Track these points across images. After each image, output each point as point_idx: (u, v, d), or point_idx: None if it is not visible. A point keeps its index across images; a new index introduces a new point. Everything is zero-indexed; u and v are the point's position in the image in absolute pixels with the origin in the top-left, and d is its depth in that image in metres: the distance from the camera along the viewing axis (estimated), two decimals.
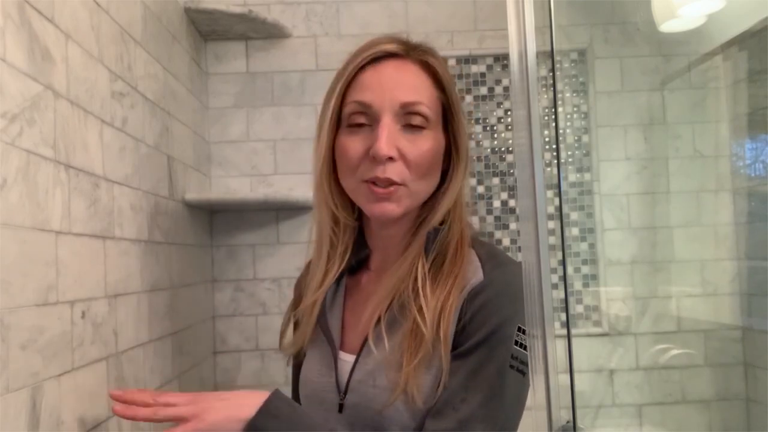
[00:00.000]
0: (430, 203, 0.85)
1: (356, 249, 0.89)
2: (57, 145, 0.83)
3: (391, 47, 0.82)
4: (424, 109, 0.80)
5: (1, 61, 0.71)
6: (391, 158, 0.78)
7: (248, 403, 0.74)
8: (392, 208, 0.80)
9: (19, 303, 0.72)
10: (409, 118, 0.80)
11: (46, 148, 0.80)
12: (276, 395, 0.75)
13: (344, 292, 0.90)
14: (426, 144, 0.80)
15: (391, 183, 0.79)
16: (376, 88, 0.80)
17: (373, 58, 0.82)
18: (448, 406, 0.75)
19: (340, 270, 0.87)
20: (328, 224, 0.85)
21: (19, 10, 0.75)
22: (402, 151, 0.79)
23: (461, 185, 0.85)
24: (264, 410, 0.73)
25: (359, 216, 0.89)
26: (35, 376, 0.75)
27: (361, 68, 0.82)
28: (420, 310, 0.78)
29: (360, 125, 0.81)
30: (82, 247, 0.89)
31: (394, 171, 0.78)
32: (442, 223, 0.84)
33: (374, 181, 0.79)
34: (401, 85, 0.80)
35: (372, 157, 0.78)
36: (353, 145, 0.80)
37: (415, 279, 0.80)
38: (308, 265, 0.95)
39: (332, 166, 0.85)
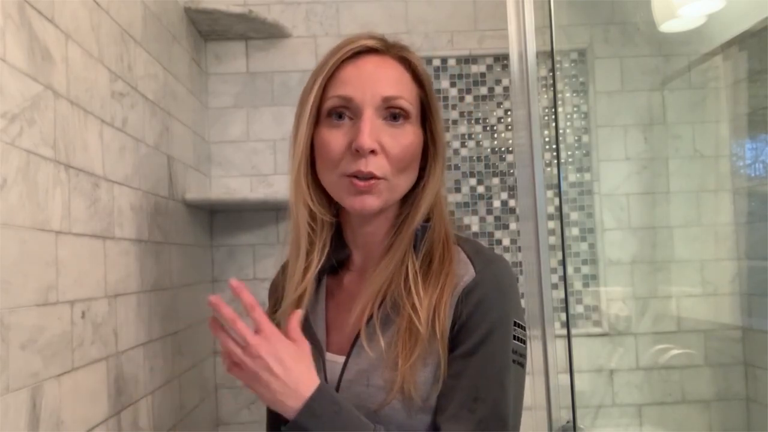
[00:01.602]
0: (410, 200, 0.85)
1: (336, 249, 0.88)
2: (57, 145, 0.83)
3: (370, 43, 0.83)
4: (404, 103, 0.81)
5: (1, 61, 0.71)
6: (373, 151, 0.78)
7: (293, 399, 0.73)
8: (371, 201, 0.80)
9: (19, 303, 0.72)
10: (389, 112, 0.81)
11: (46, 148, 0.80)
12: (319, 393, 0.74)
13: (325, 293, 0.89)
14: (407, 138, 0.81)
15: (372, 177, 0.79)
16: (357, 82, 0.80)
17: (353, 53, 0.82)
18: (464, 408, 0.75)
19: (320, 265, 0.86)
20: (305, 221, 0.85)
21: (19, 10, 0.75)
22: (383, 145, 0.79)
23: (440, 181, 0.86)
24: (306, 411, 0.72)
25: (337, 214, 0.89)
26: (35, 376, 0.75)
27: (341, 63, 0.82)
28: (414, 307, 0.78)
29: (341, 119, 0.81)
30: (82, 247, 0.89)
31: (376, 165, 0.79)
32: (427, 220, 0.84)
33: (356, 175, 0.79)
34: (382, 79, 0.81)
35: (354, 151, 0.78)
36: (335, 139, 0.80)
37: (406, 277, 0.81)
38: (283, 268, 0.94)
39: (310, 162, 0.85)
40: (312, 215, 0.85)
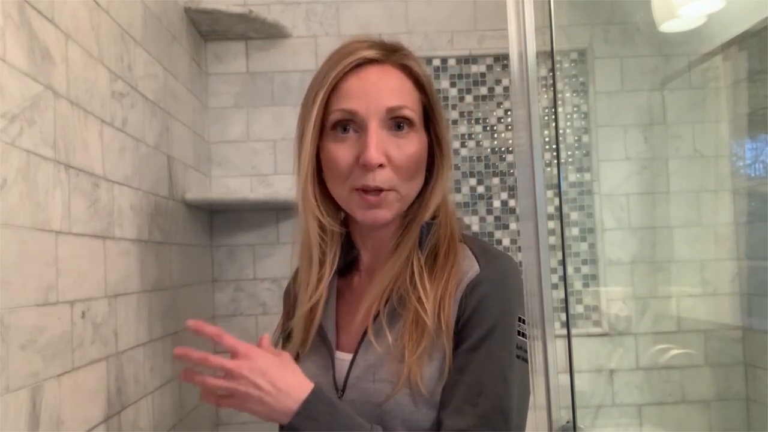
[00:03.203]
0: (417, 202, 0.86)
1: (344, 250, 0.89)
2: (57, 145, 0.83)
3: (370, 53, 0.83)
4: (408, 112, 0.82)
5: (1, 61, 0.71)
6: (381, 165, 0.79)
7: (288, 405, 0.74)
8: (383, 214, 0.81)
9: (19, 303, 0.72)
10: (394, 123, 0.81)
11: (46, 148, 0.80)
12: (315, 395, 0.75)
13: (336, 294, 0.90)
14: (412, 147, 0.82)
15: (381, 190, 0.80)
16: (360, 95, 0.81)
17: (354, 65, 0.82)
18: (466, 402, 0.76)
19: (332, 272, 0.88)
20: (315, 233, 0.86)
21: (19, 10, 0.75)
22: (390, 157, 0.80)
23: (447, 182, 0.87)
24: (301, 414, 0.73)
25: (345, 218, 0.90)
26: (35, 376, 0.75)
27: (343, 76, 0.82)
28: (419, 300, 0.79)
29: (346, 132, 0.81)
30: (82, 247, 0.89)
31: (384, 178, 0.80)
32: (433, 218, 0.85)
33: (365, 189, 0.80)
34: (385, 90, 0.81)
35: (362, 165, 0.79)
36: (341, 153, 0.81)
37: (412, 273, 0.82)
38: (295, 275, 0.95)
39: (316, 174, 0.85)
40: (322, 227, 0.86)
